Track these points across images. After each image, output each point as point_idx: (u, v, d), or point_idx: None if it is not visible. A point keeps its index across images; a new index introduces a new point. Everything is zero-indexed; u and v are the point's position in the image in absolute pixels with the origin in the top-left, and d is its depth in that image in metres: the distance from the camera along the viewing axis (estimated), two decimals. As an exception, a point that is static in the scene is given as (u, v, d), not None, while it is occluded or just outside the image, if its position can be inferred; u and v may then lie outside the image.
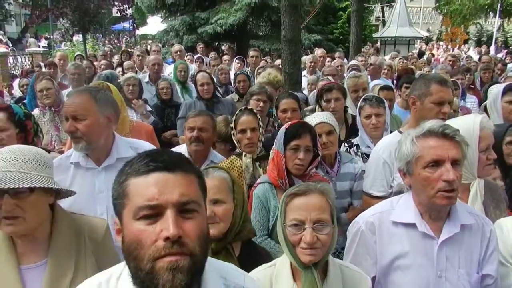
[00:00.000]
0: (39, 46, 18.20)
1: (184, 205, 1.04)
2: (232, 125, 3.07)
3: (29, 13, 18.65)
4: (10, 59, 13.90)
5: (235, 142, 3.07)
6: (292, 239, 1.66)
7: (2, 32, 29.56)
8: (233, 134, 3.07)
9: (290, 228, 1.66)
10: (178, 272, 1.00)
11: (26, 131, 2.80)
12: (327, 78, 5.36)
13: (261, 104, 3.93)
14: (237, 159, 3.00)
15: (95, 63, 8.14)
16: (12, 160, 1.58)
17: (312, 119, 2.98)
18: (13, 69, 13.88)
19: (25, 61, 14.88)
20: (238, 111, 3.14)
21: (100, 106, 2.20)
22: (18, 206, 1.55)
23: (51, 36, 21.07)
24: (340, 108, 3.75)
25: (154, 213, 1.02)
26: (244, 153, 2.98)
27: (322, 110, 3.85)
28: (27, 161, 1.60)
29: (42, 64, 7.64)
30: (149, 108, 5.00)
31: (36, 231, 1.64)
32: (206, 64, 8.85)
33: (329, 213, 1.68)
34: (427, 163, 1.72)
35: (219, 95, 6.10)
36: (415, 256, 1.80)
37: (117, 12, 16.41)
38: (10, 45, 20.84)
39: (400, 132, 2.72)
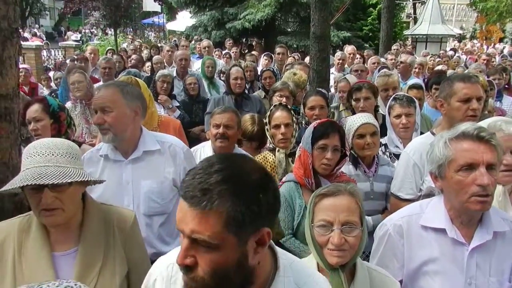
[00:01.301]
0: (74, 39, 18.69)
1: (196, 240, 1.04)
2: (266, 120, 3.06)
3: (62, 6, 19.13)
4: (44, 52, 14.31)
5: (269, 137, 3.07)
6: (320, 240, 1.64)
7: (37, 25, 30.46)
8: (267, 129, 3.07)
9: (318, 229, 1.65)
10: None
11: (60, 122, 2.90)
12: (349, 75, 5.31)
13: (284, 100, 3.92)
14: (270, 155, 3.00)
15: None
16: (48, 154, 1.62)
17: (357, 120, 2.94)
18: (46, 62, 14.30)
19: (58, 54, 15.30)
20: (272, 106, 3.14)
21: (127, 99, 2.25)
22: (57, 198, 1.60)
23: (84, 30, 21.61)
24: (369, 107, 3.69)
25: (181, 234, 1.08)
26: (277, 149, 2.96)
27: (352, 108, 3.82)
28: (62, 155, 1.65)
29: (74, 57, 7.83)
30: (176, 103, 5.05)
31: (70, 221, 1.70)
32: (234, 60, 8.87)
33: (358, 215, 1.66)
34: (461, 167, 1.66)
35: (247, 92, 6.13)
36: (444, 262, 1.76)
37: (155, 1, 16.52)
38: (44, 38, 21.47)
39: (433, 133, 2.65)
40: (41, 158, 1.61)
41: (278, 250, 1.23)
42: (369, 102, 3.69)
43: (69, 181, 1.57)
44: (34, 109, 2.85)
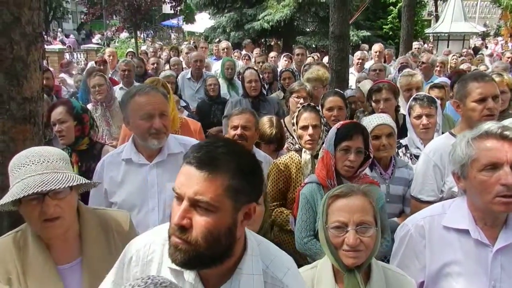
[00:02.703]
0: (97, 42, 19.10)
1: (197, 202, 1.14)
2: (294, 120, 3.06)
3: (85, 10, 19.54)
4: (67, 55, 14.63)
5: (295, 138, 3.06)
6: (335, 241, 1.64)
7: (60, 29, 31.16)
8: (294, 130, 3.05)
9: (333, 230, 1.64)
10: (177, 252, 1.16)
11: (83, 124, 2.96)
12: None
13: (301, 101, 3.90)
14: (296, 155, 2.99)
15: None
16: (44, 161, 1.57)
17: (373, 120, 2.91)
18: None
19: (80, 57, 15.62)
20: (301, 107, 3.13)
21: (168, 103, 2.33)
22: (58, 206, 1.55)
23: (105, 33, 22.05)
24: (390, 108, 3.64)
25: (179, 198, 1.17)
26: (303, 149, 2.97)
27: (372, 109, 3.77)
28: (57, 161, 1.60)
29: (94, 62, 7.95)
30: (183, 104, 5.08)
31: (68, 231, 1.65)
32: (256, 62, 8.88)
33: (372, 215, 1.65)
34: (484, 166, 1.63)
35: (265, 93, 6.12)
36: (467, 263, 1.72)
37: (170, 9, 16.84)
38: (67, 41, 21.98)
39: (452, 134, 2.60)
40: (36, 167, 1.55)
41: (247, 231, 1.33)
42: (389, 103, 3.64)
43: (72, 185, 1.54)
44: (59, 111, 2.91)
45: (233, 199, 1.17)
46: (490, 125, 1.68)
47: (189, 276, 1.25)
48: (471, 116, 2.47)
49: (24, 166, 1.55)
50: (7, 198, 1.50)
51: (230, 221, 1.18)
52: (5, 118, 1.96)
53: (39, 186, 1.48)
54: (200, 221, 1.14)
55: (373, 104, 3.71)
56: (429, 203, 2.44)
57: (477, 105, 2.46)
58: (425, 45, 14.37)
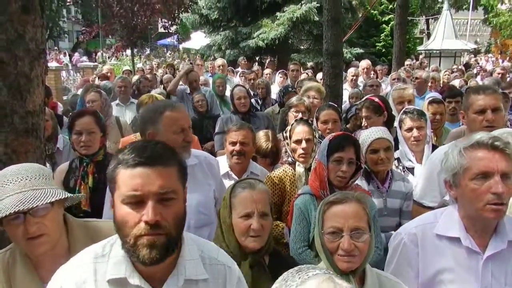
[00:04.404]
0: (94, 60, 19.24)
1: (162, 195, 1.25)
2: (288, 134, 3.10)
3: (80, 29, 19.71)
4: (64, 73, 14.71)
5: (289, 152, 3.10)
6: (330, 246, 1.68)
7: (56, 48, 31.34)
8: (287, 143, 3.10)
9: (328, 236, 1.69)
10: (154, 249, 1.23)
11: (105, 136, 2.97)
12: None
13: (300, 115, 3.96)
14: (289, 168, 3.02)
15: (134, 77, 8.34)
16: (21, 180, 1.55)
17: (371, 134, 2.93)
18: (65, 82, 14.67)
19: (76, 75, 15.71)
20: (294, 121, 3.17)
21: None
22: (41, 223, 1.54)
23: (101, 52, 22.26)
24: (378, 122, 3.72)
25: (138, 200, 1.24)
26: (297, 163, 3.01)
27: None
28: (36, 177, 1.58)
29: (96, 77, 8.02)
30: None
31: (56, 246, 1.62)
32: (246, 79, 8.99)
33: (366, 222, 1.69)
34: (475, 175, 1.68)
35: (258, 108, 6.20)
36: (459, 271, 1.76)
37: (161, 28, 17.07)
38: (74, 59, 22.26)
39: None
40: (14, 186, 1.53)
41: None
42: (370, 121, 3.70)
43: (51, 200, 1.52)
44: (88, 121, 2.86)
45: (182, 184, 1.34)
46: (482, 136, 1.73)
47: (135, 280, 1.31)
48: (472, 127, 2.55)
49: (2, 186, 1.54)
50: None
51: (184, 205, 1.34)
52: (8, 131, 2.00)
53: (17, 206, 1.47)
54: (169, 212, 1.26)
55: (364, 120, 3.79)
56: (431, 208, 2.47)
57: (477, 116, 2.53)
58: (417, 62, 14.58)
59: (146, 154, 1.26)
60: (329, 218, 1.70)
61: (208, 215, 2.46)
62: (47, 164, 3.43)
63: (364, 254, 1.66)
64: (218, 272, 1.46)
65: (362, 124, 3.71)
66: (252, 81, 7.26)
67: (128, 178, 1.24)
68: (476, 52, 26.29)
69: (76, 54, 26.88)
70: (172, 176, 1.29)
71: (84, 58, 24.40)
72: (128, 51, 15.57)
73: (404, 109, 3.46)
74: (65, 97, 11.43)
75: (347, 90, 6.96)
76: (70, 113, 5.28)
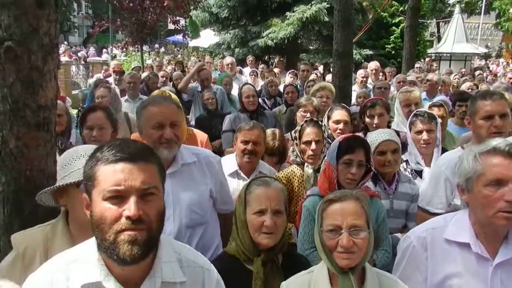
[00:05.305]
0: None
1: (145, 190, 1.25)
2: (297, 135, 3.09)
3: (90, 24, 19.80)
4: (73, 68, 14.81)
5: (297, 152, 3.09)
6: (329, 243, 1.69)
7: (66, 42, 31.55)
8: (297, 144, 3.10)
9: (327, 233, 1.70)
10: (136, 245, 1.22)
11: (116, 132, 2.98)
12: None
13: (308, 115, 3.97)
14: (298, 169, 3.02)
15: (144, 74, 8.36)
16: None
17: (378, 136, 2.93)
18: (75, 77, 14.78)
19: (84, 70, 15.82)
20: (303, 122, 3.17)
21: (182, 113, 2.36)
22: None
23: (111, 47, 22.38)
24: (383, 124, 3.74)
25: (119, 195, 1.23)
26: (306, 164, 3.00)
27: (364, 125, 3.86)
28: None
29: (111, 71, 8.01)
30: None
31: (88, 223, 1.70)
32: (258, 77, 8.98)
33: (365, 219, 1.71)
34: (489, 182, 1.67)
35: (267, 107, 6.20)
36: (468, 277, 1.75)
37: (171, 23, 17.08)
38: (90, 53, 22.42)
39: (463, 148, 2.65)
40: (84, 160, 1.55)
41: None
42: (382, 118, 3.74)
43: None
44: (99, 116, 2.90)
45: (161, 180, 1.34)
46: (499, 142, 1.72)
47: (110, 283, 1.28)
48: (479, 133, 2.53)
49: (74, 160, 1.74)
50: (71, 179, 1.67)
51: (163, 202, 1.34)
52: (20, 125, 2.01)
53: None
54: (150, 208, 1.26)
55: (367, 119, 3.80)
56: (437, 215, 2.46)
57: (484, 122, 2.52)
58: (427, 65, 14.47)
59: (127, 150, 1.27)
60: (328, 216, 1.72)
61: (202, 214, 2.40)
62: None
63: (363, 251, 1.67)
64: (196, 275, 1.45)
65: (374, 123, 3.71)
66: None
67: (109, 174, 1.24)
68: (487, 56, 26.08)
69: (92, 49, 27.09)
70: (154, 173, 1.30)
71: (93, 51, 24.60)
72: (137, 47, 15.65)
73: (415, 111, 3.45)
74: (74, 92, 11.52)
75: (355, 92, 6.94)
76: (80, 109, 5.33)
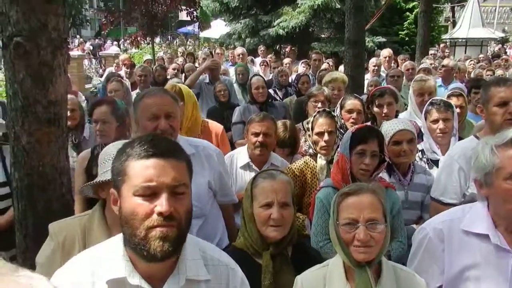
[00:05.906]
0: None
1: (175, 188, 1.25)
2: (309, 126, 3.06)
3: (102, 18, 19.88)
4: (86, 62, 14.92)
5: (311, 143, 3.07)
6: (346, 237, 1.66)
7: (78, 36, 31.79)
8: (309, 135, 3.07)
9: (344, 227, 1.67)
10: (166, 241, 1.22)
11: (124, 126, 2.98)
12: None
13: (319, 105, 3.93)
14: (311, 160, 3.00)
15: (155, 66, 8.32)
16: None
17: (394, 126, 2.87)
18: (87, 71, 14.89)
19: (97, 64, 15.92)
20: (316, 113, 3.13)
21: (177, 105, 2.33)
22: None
23: (123, 40, 22.47)
24: (392, 113, 3.69)
25: (151, 191, 1.22)
26: (319, 155, 2.97)
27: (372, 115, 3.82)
28: None
29: (121, 64, 8.02)
30: None
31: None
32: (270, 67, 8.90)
33: (382, 212, 1.68)
34: (509, 175, 1.62)
35: (279, 98, 6.16)
36: (486, 268, 1.71)
37: (187, 16, 17.04)
38: (107, 47, 22.59)
39: (476, 137, 2.59)
40: None
41: None
42: (391, 107, 3.69)
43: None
44: (103, 111, 2.91)
45: (190, 177, 1.33)
46: None
47: (134, 279, 1.28)
48: (493, 120, 2.47)
49: (109, 160, 1.69)
50: (109, 175, 1.60)
51: (191, 198, 1.33)
52: (31, 120, 2.02)
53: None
54: (180, 206, 1.26)
55: (376, 109, 3.74)
56: (450, 205, 2.42)
57: (499, 109, 2.45)
58: (441, 52, 14.20)
59: (159, 146, 1.26)
60: (344, 209, 1.69)
61: (200, 207, 2.38)
62: (74, 153, 3.48)
63: (380, 245, 1.64)
64: (221, 274, 1.44)
65: (383, 112, 3.68)
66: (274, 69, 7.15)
67: (141, 169, 1.23)
68: (504, 41, 25.48)
69: (109, 42, 27.28)
70: (183, 170, 1.30)
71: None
72: (149, 40, 15.68)
73: (431, 100, 3.37)
74: (87, 85, 11.61)
75: (368, 80, 6.84)
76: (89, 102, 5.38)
